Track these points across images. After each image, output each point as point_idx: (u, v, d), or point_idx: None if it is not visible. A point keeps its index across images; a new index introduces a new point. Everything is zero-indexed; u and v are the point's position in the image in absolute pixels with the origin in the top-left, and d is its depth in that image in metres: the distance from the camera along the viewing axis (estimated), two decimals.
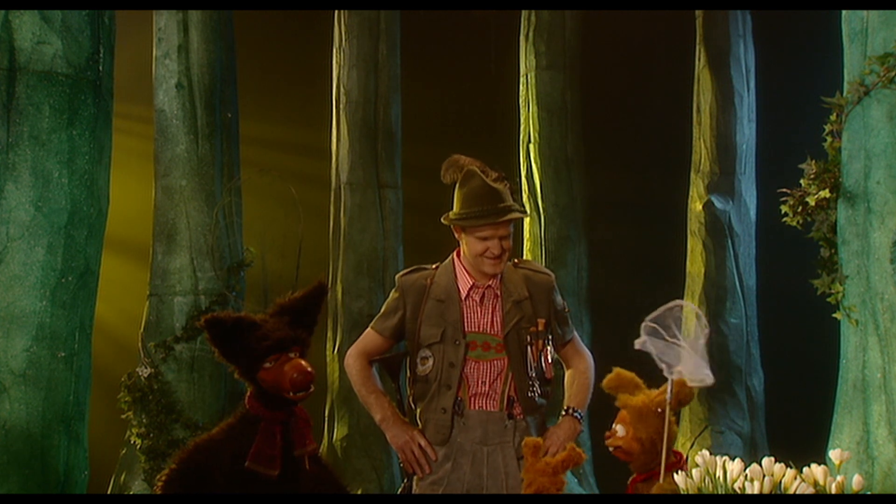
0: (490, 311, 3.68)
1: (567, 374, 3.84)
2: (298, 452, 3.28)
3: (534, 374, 3.64)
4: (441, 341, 3.64)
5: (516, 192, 3.74)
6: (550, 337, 3.71)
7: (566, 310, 3.80)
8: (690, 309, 3.23)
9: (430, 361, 3.66)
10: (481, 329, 3.67)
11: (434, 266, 3.77)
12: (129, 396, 6.78)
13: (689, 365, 3.15)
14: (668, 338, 3.19)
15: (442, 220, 3.69)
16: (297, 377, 3.17)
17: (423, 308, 3.68)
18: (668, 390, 3.18)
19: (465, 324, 3.66)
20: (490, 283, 3.69)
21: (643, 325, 3.24)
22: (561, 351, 3.82)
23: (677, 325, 3.20)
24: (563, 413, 3.73)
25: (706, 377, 3.17)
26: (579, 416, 3.72)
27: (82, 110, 4.69)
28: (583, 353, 3.84)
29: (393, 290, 3.79)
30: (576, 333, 3.86)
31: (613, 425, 3.26)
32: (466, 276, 3.69)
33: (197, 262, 6.98)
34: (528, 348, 3.64)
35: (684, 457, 3.28)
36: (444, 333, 3.64)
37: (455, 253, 3.76)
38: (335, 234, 8.60)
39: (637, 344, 3.23)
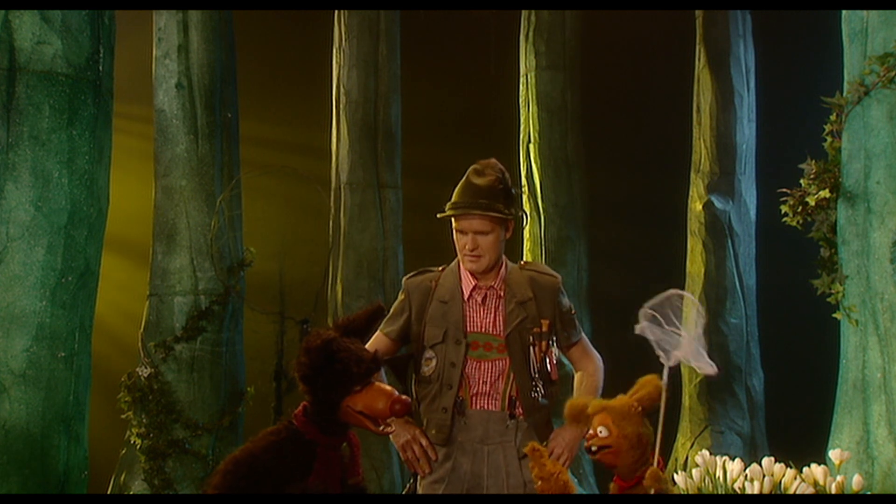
0: (492, 311, 3.69)
1: (576, 376, 3.85)
2: (353, 481, 3.10)
3: (536, 375, 3.65)
4: (443, 341, 3.66)
5: (514, 195, 3.71)
6: (555, 338, 3.72)
7: (572, 311, 3.81)
8: (688, 298, 3.21)
9: (434, 362, 3.68)
10: (483, 329, 3.68)
11: (440, 268, 3.80)
12: (129, 396, 6.78)
13: (688, 352, 3.14)
14: (666, 325, 3.17)
15: (437, 215, 3.74)
16: (398, 407, 2.91)
17: (427, 309, 3.71)
18: (665, 376, 3.17)
19: (467, 324, 3.67)
20: (493, 283, 3.70)
21: (642, 311, 3.19)
22: (568, 353, 3.84)
23: (675, 313, 3.18)
24: None
25: (706, 365, 3.16)
26: None
27: (82, 110, 4.69)
28: (591, 355, 3.85)
29: (399, 293, 3.81)
30: (584, 335, 3.87)
31: (591, 430, 3.23)
32: (469, 276, 3.71)
33: (197, 262, 6.97)
34: (531, 349, 3.65)
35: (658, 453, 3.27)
36: (446, 334, 3.66)
37: None
38: (335, 234, 8.60)
39: (637, 329, 3.20)
